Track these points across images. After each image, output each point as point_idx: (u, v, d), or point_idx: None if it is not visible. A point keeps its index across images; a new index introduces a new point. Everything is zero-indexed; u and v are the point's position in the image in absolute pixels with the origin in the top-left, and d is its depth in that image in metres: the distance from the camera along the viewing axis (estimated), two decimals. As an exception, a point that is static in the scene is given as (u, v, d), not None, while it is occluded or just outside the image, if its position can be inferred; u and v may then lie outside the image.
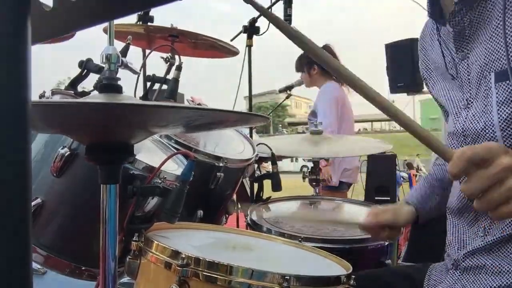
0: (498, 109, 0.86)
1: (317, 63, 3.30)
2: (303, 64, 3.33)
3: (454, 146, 1.00)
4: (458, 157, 0.71)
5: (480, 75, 0.91)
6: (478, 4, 0.90)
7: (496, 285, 0.92)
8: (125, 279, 1.24)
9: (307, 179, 2.06)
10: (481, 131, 0.90)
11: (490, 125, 0.88)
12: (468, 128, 0.93)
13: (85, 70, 1.32)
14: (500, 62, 0.86)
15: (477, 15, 0.91)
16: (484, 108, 0.90)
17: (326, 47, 3.28)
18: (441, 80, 1.07)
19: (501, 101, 0.85)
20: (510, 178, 0.68)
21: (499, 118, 0.86)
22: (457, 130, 0.97)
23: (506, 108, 0.85)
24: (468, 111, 0.95)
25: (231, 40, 2.22)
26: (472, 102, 0.94)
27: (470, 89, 0.95)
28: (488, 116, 0.88)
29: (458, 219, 1.04)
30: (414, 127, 0.74)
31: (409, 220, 1.24)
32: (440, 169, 1.26)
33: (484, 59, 0.90)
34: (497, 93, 0.86)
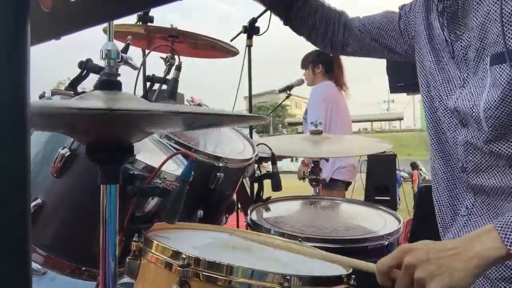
0: (488, 91, 0.88)
1: (322, 63, 3.39)
2: (309, 61, 3.41)
3: (452, 119, 1.02)
4: (376, 273, 0.83)
5: (477, 58, 0.93)
6: None
7: (495, 276, 0.92)
8: (125, 279, 1.24)
9: (307, 179, 2.06)
10: (469, 110, 0.93)
11: (477, 105, 0.91)
12: (459, 106, 0.96)
13: (85, 71, 1.31)
14: (496, 46, 0.87)
15: None
16: (478, 89, 0.92)
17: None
18: (438, 52, 1.07)
19: (492, 83, 0.88)
20: (415, 274, 0.78)
21: (486, 99, 0.88)
22: (450, 106, 1.00)
23: (495, 91, 0.87)
24: (462, 90, 0.97)
25: (231, 40, 2.22)
26: (468, 82, 0.96)
27: (467, 69, 0.97)
28: (479, 97, 0.91)
29: (449, 226, 1.06)
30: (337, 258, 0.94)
31: None
32: None
33: (480, 42, 0.91)
34: (491, 76, 0.88)
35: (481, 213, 0.98)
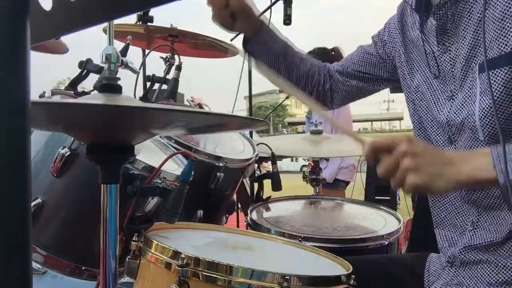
0: (480, 99, 0.89)
1: (324, 61, 3.35)
2: None
3: (440, 136, 1.02)
4: (367, 146, 0.84)
5: (465, 68, 0.93)
6: None
7: (494, 280, 0.92)
8: (125, 279, 1.24)
9: (307, 179, 2.06)
10: (464, 120, 0.93)
11: (471, 114, 0.91)
12: (452, 118, 0.97)
13: (85, 70, 1.32)
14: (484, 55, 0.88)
15: (459, 9, 0.93)
16: (468, 98, 0.93)
17: (335, 50, 3.34)
18: (420, 69, 1.08)
19: (483, 91, 0.88)
20: (404, 160, 0.79)
21: (479, 107, 0.89)
22: (442, 120, 1.00)
23: (487, 98, 0.87)
24: (452, 102, 0.97)
25: (231, 40, 2.21)
26: (456, 94, 0.97)
27: (454, 81, 0.97)
28: (471, 106, 0.91)
29: (446, 230, 1.05)
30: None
31: (254, 17, 1.32)
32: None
33: (469, 52, 0.92)
34: (480, 84, 0.89)
35: (486, 226, 0.96)
